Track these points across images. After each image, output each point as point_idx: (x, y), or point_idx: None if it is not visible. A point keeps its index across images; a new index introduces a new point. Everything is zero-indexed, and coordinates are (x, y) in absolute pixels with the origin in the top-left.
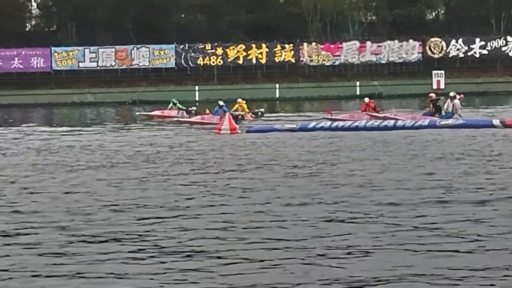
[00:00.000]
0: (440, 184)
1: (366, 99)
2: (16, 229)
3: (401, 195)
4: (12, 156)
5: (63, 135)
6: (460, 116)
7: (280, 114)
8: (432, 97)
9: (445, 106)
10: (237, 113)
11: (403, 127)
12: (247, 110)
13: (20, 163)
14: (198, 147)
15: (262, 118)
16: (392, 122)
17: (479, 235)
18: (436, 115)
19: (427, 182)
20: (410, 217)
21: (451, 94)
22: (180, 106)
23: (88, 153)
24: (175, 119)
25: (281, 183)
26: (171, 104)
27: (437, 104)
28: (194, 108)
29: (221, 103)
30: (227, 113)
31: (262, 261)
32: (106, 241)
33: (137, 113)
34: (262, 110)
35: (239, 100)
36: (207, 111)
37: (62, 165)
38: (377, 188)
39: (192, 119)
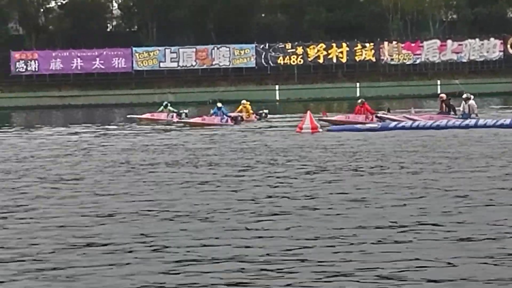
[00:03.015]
0: None
1: (359, 101)
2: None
3: None
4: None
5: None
6: (477, 116)
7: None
8: (443, 97)
9: (461, 108)
10: (235, 114)
11: (485, 126)
12: (251, 111)
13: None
14: (298, 148)
15: (267, 118)
16: (473, 121)
17: None
18: (451, 114)
19: None
20: None
21: (464, 96)
22: (171, 108)
23: (181, 152)
24: (175, 120)
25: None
26: (162, 107)
27: (450, 103)
28: (185, 111)
29: (219, 104)
30: (308, 112)
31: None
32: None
33: (128, 116)
34: (266, 111)
35: (243, 101)
36: (211, 111)
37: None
38: None
39: (193, 120)
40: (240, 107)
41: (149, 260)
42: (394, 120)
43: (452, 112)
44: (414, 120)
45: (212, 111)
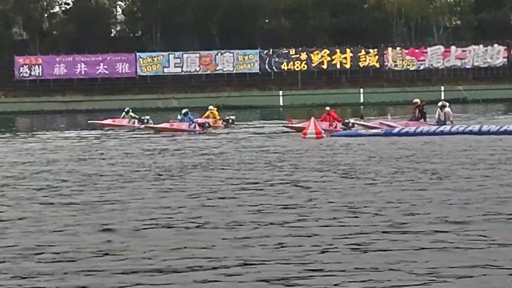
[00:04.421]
0: None
1: (327, 108)
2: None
3: None
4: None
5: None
6: (452, 123)
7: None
8: (417, 102)
9: (436, 115)
10: (202, 120)
11: (488, 132)
12: (218, 118)
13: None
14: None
15: (233, 125)
16: (477, 127)
17: None
18: (422, 120)
19: None
20: None
21: (440, 104)
22: (132, 115)
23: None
24: (142, 126)
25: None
26: (123, 113)
27: (423, 110)
28: (147, 117)
29: (184, 111)
30: (312, 118)
31: None
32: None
33: (89, 121)
34: (233, 117)
35: (211, 107)
36: (179, 117)
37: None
38: None
39: (161, 126)
40: (207, 113)
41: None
42: (368, 127)
43: (422, 119)
44: (392, 127)
45: (179, 117)
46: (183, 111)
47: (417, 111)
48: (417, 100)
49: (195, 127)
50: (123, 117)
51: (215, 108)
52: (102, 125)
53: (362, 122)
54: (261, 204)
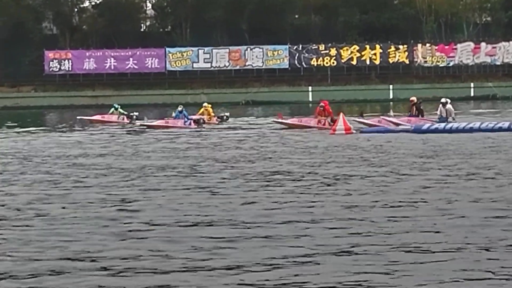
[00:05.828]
0: None
1: (320, 104)
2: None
3: None
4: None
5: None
6: (454, 119)
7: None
8: (414, 100)
9: (438, 112)
10: (197, 117)
11: None
12: (212, 114)
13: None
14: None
15: (227, 122)
16: (507, 123)
17: None
18: (419, 117)
19: None
20: None
21: (443, 100)
22: (121, 111)
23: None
24: (138, 123)
25: None
26: (112, 109)
27: (420, 107)
28: (136, 113)
29: (179, 108)
30: (341, 114)
31: None
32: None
33: (78, 117)
34: (227, 114)
35: (205, 104)
36: (173, 114)
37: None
38: None
39: (156, 123)
40: (202, 109)
41: None
42: (367, 124)
43: (420, 116)
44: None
45: (174, 115)
46: (179, 108)
47: (414, 109)
48: (413, 98)
49: (190, 124)
50: (112, 113)
51: (210, 105)
52: (91, 121)
53: (361, 120)
54: (314, 202)
